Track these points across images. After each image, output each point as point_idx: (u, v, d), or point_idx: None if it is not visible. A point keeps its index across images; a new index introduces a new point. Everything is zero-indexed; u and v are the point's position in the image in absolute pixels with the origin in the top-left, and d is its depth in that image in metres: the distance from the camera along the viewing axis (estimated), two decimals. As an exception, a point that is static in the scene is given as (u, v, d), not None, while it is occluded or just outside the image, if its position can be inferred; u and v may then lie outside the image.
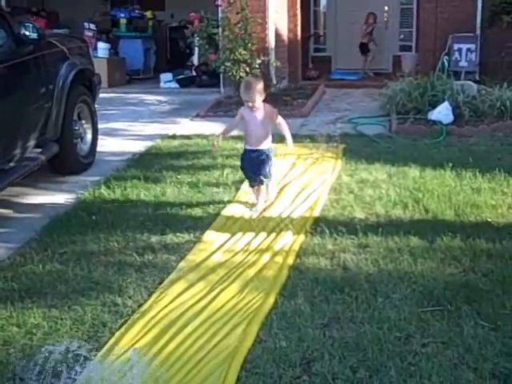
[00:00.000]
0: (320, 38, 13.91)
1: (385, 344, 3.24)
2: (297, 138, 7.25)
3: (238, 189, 5.62)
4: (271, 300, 3.68)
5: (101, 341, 3.35)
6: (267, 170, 5.08)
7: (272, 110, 5.08)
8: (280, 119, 5.11)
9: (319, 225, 4.75)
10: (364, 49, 12.83)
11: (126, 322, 3.53)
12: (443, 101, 7.83)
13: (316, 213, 5.03)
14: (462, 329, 3.34)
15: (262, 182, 5.12)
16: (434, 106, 7.92)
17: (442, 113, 7.64)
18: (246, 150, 5.13)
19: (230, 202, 5.32)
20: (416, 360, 3.12)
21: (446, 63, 9.60)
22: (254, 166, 5.06)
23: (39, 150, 5.63)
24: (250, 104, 4.87)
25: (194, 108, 9.16)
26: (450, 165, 5.95)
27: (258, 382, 2.96)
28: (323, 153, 6.67)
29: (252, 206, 5.16)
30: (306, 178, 5.88)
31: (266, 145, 5.09)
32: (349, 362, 3.11)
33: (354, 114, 8.75)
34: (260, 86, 4.85)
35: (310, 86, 11.05)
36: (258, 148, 5.03)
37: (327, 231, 4.59)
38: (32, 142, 5.42)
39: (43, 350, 3.22)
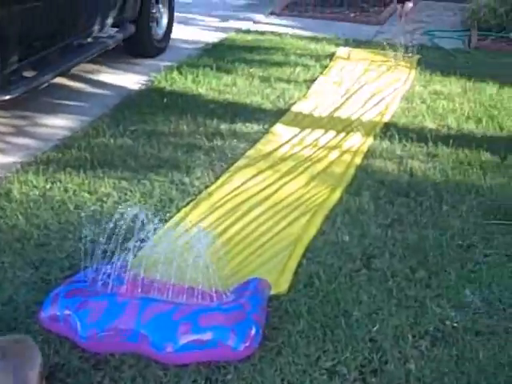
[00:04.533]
0: None
1: (446, 249, 3.24)
2: (371, 44, 7.12)
3: (308, 87, 5.57)
4: (336, 195, 3.71)
5: (167, 215, 3.45)
6: None
7: None
8: None
9: (389, 130, 4.69)
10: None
11: (192, 200, 3.62)
12: (530, 19, 7.47)
13: (386, 118, 4.97)
14: (528, 244, 3.32)
15: None
16: (519, 24, 7.57)
17: (528, 32, 7.31)
18: None
19: (300, 98, 5.28)
20: (476, 268, 3.11)
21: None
22: None
23: (116, 29, 5.64)
24: None
25: (268, 5, 8.97)
26: (531, 85, 5.74)
27: (318, 270, 3.02)
28: (397, 61, 6.48)
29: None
30: (379, 84, 5.77)
31: None
32: (409, 262, 3.13)
33: (432, 27, 8.44)
34: None
35: (388, -6, 10.67)
36: None
37: (396, 137, 4.55)
38: (110, 20, 5.42)
39: (114, 215, 3.32)
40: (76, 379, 2.34)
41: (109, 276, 2.66)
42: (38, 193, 3.63)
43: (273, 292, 2.82)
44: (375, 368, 2.44)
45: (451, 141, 4.49)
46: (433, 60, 6.64)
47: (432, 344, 2.57)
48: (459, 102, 5.34)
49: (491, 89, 5.71)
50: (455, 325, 2.69)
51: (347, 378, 2.40)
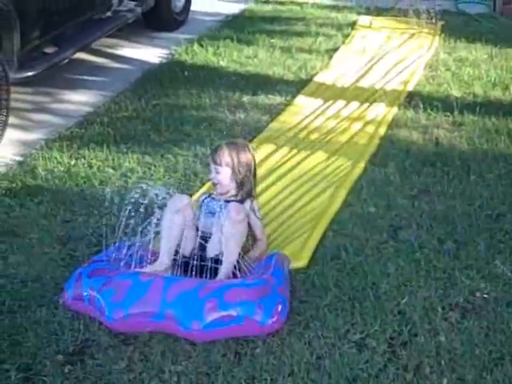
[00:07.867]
0: None
1: (475, 220, 3.20)
2: (393, 12, 6.99)
3: (331, 57, 5.50)
4: (361, 167, 3.66)
5: (192, 189, 3.44)
6: None
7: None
8: None
9: (413, 99, 4.63)
10: None
11: (216, 174, 3.59)
12: (557, -18, 7.27)
13: (410, 87, 4.89)
14: (558, 213, 3.26)
15: None
16: (545, -13, 7.38)
17: (554, -5, 7.13)
18: None
19: (322, 69, 5.22)
20: (506, 238, 3.07)
21: None
22: None
23: (135, 2, 5.60)
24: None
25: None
26: (559, 49, 5.61)
27: (344, 242, 2.99)
28: (420, 28, 6.37)
29: None
30: (402, 53, 5.67)
31: None
32: (436, 233, 3.10)
33: (455, -8, 8.27)
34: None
35: (410, -41, 10.45)
36: None
37: (421, 106, 4.48)
38: (129, -7, 5.39)
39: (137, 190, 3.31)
40: (106, 355, 2.35)
41: (131, 255, 2.65)
42: (62, 169, 3.64)
43: (293, 266, 2.80)
44: (405, 340, 2.42)
45: (477, 109, 4.41)
46: (457, 26, 6.52)
47: (462, 316, 2.54)
48: (485, 69, 5.24)
49: (518, 54, 5.59)
50: (485, 296, 2.65)
51: (376, 350, 2.38)
